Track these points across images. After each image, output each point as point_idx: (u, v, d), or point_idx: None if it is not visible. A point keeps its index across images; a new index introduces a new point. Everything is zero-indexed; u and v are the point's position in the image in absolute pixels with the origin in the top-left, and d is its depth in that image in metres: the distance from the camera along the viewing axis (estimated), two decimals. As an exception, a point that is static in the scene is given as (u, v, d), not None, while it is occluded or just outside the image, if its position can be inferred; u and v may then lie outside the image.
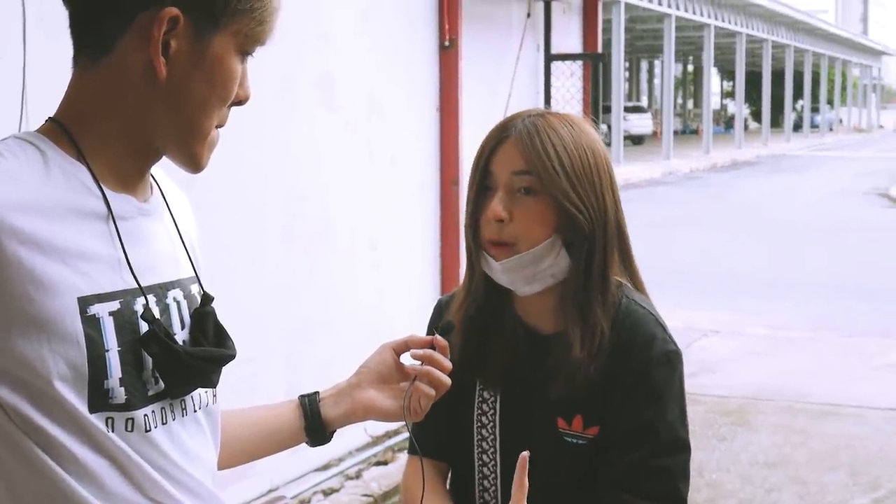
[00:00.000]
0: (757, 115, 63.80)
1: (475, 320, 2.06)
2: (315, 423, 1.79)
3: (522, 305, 2.05)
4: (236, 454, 1.77)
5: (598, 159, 1.98)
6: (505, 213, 1.94)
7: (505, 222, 1.95)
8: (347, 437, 5.79)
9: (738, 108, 46.96)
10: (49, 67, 3.65)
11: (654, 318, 2.02)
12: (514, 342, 2.05)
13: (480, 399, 2.06)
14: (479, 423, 2.06)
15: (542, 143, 1.94)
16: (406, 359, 1.82)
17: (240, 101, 1.49)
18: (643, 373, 1.96)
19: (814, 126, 63.04)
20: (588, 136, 2.00)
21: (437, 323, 2.09)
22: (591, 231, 1.95)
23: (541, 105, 7.73)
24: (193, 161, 1.47)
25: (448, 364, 1.76)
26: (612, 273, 2.00)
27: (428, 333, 2.12)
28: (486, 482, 2.07)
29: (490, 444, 2.05)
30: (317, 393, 1.83)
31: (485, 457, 2.06)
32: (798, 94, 61.51)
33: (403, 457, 5.98)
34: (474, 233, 2.01)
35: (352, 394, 1.80)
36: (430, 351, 1.76)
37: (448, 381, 1.76)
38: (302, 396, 1.82)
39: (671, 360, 1.99)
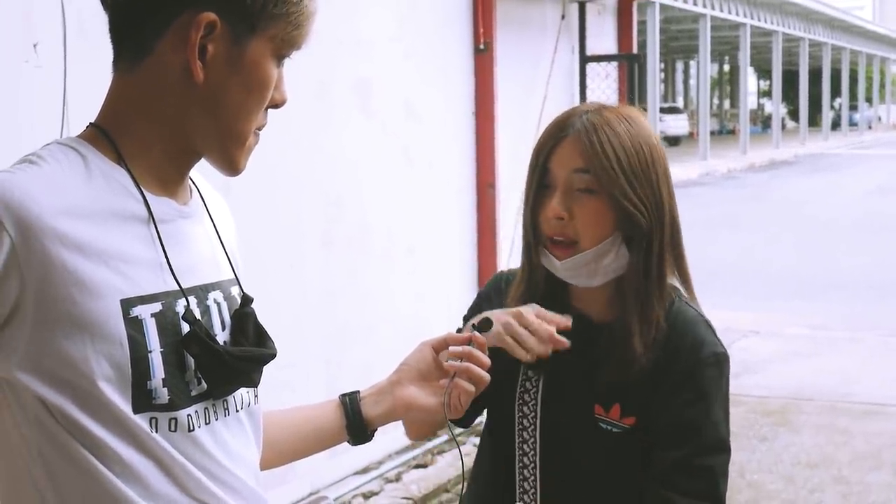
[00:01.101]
0: (794, 114, 63.33)
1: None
2: (356, 422, 1.81)
3: (578, 295, 2.08)
4: (278, 454, 1.78)
5: (654, 154, 2.00)
6: (565, 212, 1.97)
7: (565, 220, 1.97)
8: (386, 440, 5.80)
9: (776, 108, 46.64)
10: (89, 74, 3.70)
11: (703, 319, 2.05)
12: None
13: (524, 377, 2.09)
14: (520, 401, 2.09)
15: (601, 141, 1.96)
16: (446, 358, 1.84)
17: (276, 105, 1.51)
18: (692, 372, 1.99)
19: (852, 124, 62.51)
20: (644, 130, 2.02)
21: (487, 301, 2.13)
22: (649, 227, 1.98)
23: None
24: (231, 164, 1.49)
25: (487, 360, 1.79)
26: (667, 266, 2.02)
27: (476, 304, 2.16)
28: (525, 459, 2.10)
29: (531, 420, 2.08)
30: (357, 392, 1.85)
31: (525, 433, 2.09)
32: (836, 92, 61.02)
33: (443, 459, 5.99)
34: (534, 229, 2.03)
35: (392, 391, 1.82)
36: (468, 348, 1.79)
37: (487, 377, 1.78)
38: (343, 395, 1.84)
39: (720, 361, 2.02)
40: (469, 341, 1.80)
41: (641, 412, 2.00)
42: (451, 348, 1.81)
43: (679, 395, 1.98)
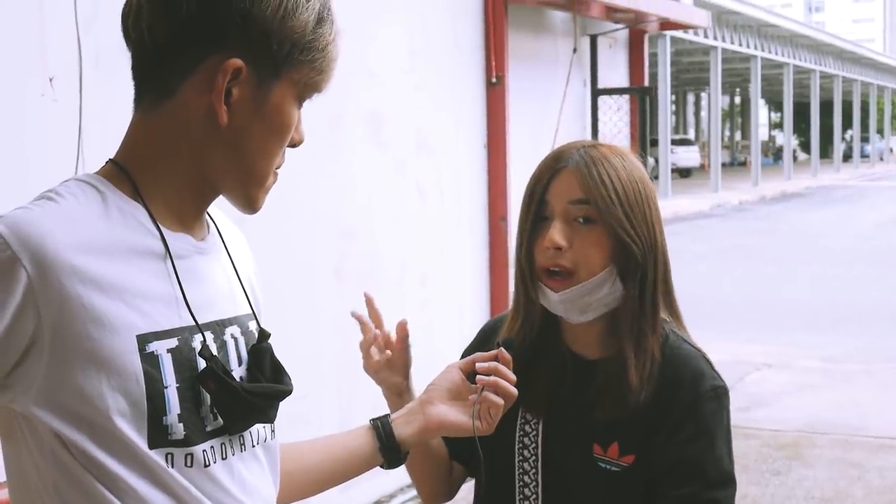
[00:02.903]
0: (806, 146, 63.36)
1: (524, 347, 2.07)
2: (389, 443, 1.82)
3: (570, 332, 2.08)
4: (312, 482, 1.79)
5: (647, 191, 2.03)
6: (564, 242, 1.97)
7: (563, 250, 1.98)
8: (397, 474, 5.77)
9: (787, 139, 46.63)
10: (104, 108, 3.73)
11: (700, 353, 2.05)
12: (559, 368, 2.07)
13: (523, 421, 2.09)
14: (520, 444, 2.09)
15: (600, 173, 1.98)
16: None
17: (294, 145, 1.52)
18: (692, 408, 1.98)
19: (864, 156, 62.44)
20: (637, 167, 2.05)
21: (480, 348, 2.11)
22: (643, 259, 1.99)
23: (588, 139, 7.74)
24: (250, 203, 1.50)
25: (513, 376, 1.82)
26: (659, 300, 2.02)
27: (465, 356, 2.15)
28: (526, 503, 2.08)
29: (532, 464, 2.07)
30: (387, 415, 1.87)
31: (526, 478, 2.08)
32: (847, 123, 61.07)
33: (455, 493, 5.96)
34: (529, 262, 2.03)
35: (423, 410, 1.84)
36: (495, 363, 1.83)
37: (515, 391, 1.81)
38: (373, 419, 1.85)
39: (719, 395, 2.01)
40: (496, 358, 1.83)
41: (640, 450, 1.99)
42: (478, 365, 1.84)
43: (681, 432, 1.97)
